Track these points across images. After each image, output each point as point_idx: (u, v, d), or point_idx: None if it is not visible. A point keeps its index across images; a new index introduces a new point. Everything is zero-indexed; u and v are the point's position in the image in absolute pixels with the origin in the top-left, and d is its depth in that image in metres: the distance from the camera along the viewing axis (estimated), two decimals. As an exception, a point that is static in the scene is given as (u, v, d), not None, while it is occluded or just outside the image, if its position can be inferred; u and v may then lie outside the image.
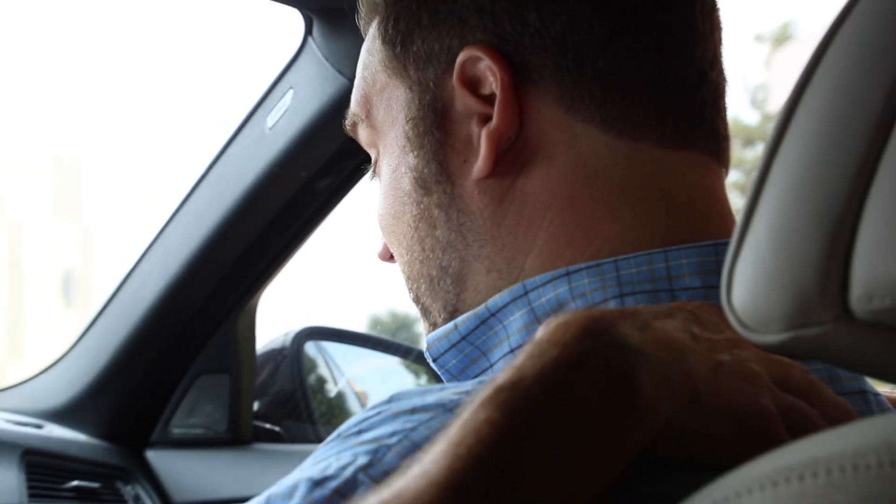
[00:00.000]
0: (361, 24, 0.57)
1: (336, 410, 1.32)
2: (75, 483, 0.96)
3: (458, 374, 0.52)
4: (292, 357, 1.20)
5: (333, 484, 0.35)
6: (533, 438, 0.32)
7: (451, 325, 0.51)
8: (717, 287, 0.33)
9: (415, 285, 0.55)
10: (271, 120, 0.88)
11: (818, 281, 0.26)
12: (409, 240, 0.55)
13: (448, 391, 0.42)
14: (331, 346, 1.34)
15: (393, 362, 1.33)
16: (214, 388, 1.11)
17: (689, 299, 0.44)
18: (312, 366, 1.28)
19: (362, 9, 0.56)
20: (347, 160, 0.91)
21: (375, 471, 0.35)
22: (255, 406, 1.16)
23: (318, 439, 1.17)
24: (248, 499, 0.63)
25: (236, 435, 1.12)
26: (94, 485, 0.97)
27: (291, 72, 0.89)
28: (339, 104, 0.84)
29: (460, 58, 0.47)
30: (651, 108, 0.49)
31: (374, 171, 0.56)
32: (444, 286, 0.54)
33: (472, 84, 0.48)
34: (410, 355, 1.27)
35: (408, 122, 0.52)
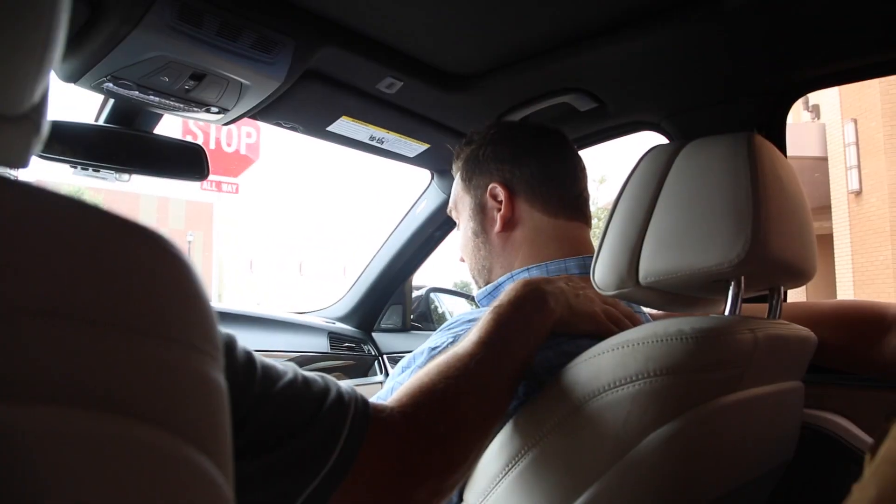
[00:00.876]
0: (454, 170, 1.12)
1: (441, 318, 2.44)
2: (347, 344, 2.01)
3: (486, 307, 0.89)
4: (425, 299, 2.36)
5: (440, 348, 0.85)
6: (509, 327, 0.76)
7: (486, 288, 1.04)
8: (586, 274, 0.87)
9: (473, 273, 1.09)
10: (418, 209, 1.88)
11: (627, 269, 0.79)
12: (470, 255, 1.08)
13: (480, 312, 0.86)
14: (441, 295, 2.50)
15: (463, 301, 2.51)
16: (396, 310, 2.19)
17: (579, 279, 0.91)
18: (433, 302, 2.42)
19: (454, 169, 1.11)
20: (444, 228, 1.90)
21: (457, 343, 0.78)
22: (412, 317, 2.27)
23: (433, 329, 2.30)
24: (409, 352, 1.82)
25: (404, 327, 2.22)
26: (354, 343, 2.11)
27: (427, 191, 1.86)
28: (441, 205, 1.82)
29: (490, 187, 1.02)
30: (560, 205, 1.01)
31: (458, 228, 1.12)
32: (483, 274, 1.07)
33: (494, 196, 1.02)
34: (471, 299, 2.40)
35: (471, 209, 1.06)
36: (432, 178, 1.91)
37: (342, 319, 2.18)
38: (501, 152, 1.04)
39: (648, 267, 0.81)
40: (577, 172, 1.07)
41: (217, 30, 1.00)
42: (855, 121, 10.61)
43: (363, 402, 0.61)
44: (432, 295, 2.41)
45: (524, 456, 0.78)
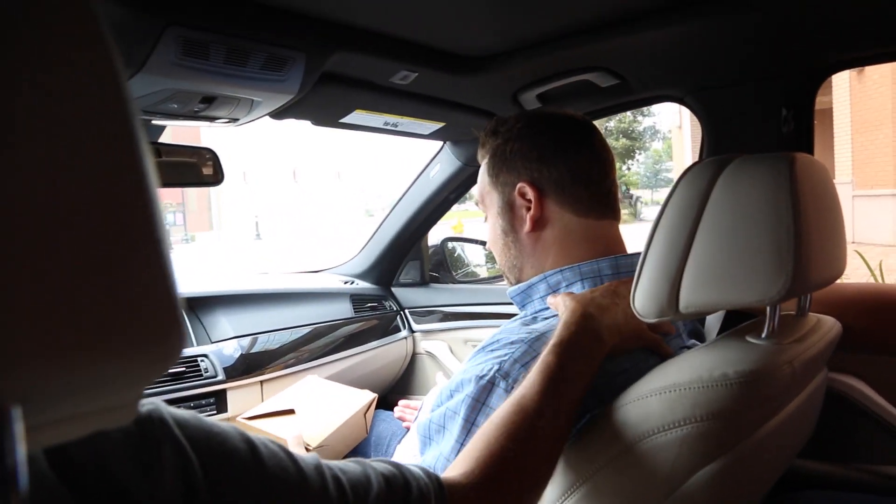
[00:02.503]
0: (479, 158, 1.08)
1: (457, 262, 2.48)
2: (370, 304, 2.08)
3: (519, 305, 1.04)
4: (440, 249, 2.37)
5: (487, 377, 0.83)
6: (569, 364, 0.78)
7: (518, 286, 1.03)
8: (618, 275, 0.94)
9: (504, 270, 1.07)
10: (432, 172, 1.92)
11: (667, 300, 0.78)
12: (500, 253, 1.07)
13: (524, 333, 0.88)
14: (453, 243, 2.52)
15: (478, 247, 2.51)
16: (414, 265, 2.22)
17: (608, 282, 0.93)
18: (449, 251, 2.42)
19: (479, 157, 1.08)
20: (458, 191, 1.95)
21: (502, 371, 0.82)
22: (428, 268, 2.28)
23: (453, 280, 2.31)
24: (429, 307, 1.90)
25: (423, 281, 2.25)
26: (376, 302, 2.11)
27: (440, 155, 1.88)
28: (456, 171, 1.85)
29: (518, 185, 1.00)
30: (590, 203, 1.00)
31: (486, 221, 1.09)
32: (514, 272, 1.06)
33: (522, 195, 1.00)
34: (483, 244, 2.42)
35: (499, 206, 1.04)
36: (443, 145, 1.89)
37: (360, 276, 2.22)
38: (529, 151, 1.01)
39: (688, 299, 0.81)
40: (607, 167, 1.04)
41: (224, 58, 0.96)
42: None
43: (438, 486, 0.64)
44: (448, 244, 2.41)
45: (579, 488, 0.82)
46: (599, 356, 0.84)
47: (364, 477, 0.58)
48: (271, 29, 0.97)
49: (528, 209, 1.00)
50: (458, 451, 0.76)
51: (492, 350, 0.89)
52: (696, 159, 1.06)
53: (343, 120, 1.36)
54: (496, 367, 0.84)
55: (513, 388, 0.80)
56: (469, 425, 0.82)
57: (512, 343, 0.87)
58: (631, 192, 28.51)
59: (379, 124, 1.42)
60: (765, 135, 1.24)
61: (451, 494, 0.64)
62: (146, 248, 0.21)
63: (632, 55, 1.20)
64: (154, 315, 0.21)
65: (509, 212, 1.04)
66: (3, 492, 0.21)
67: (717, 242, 0.80)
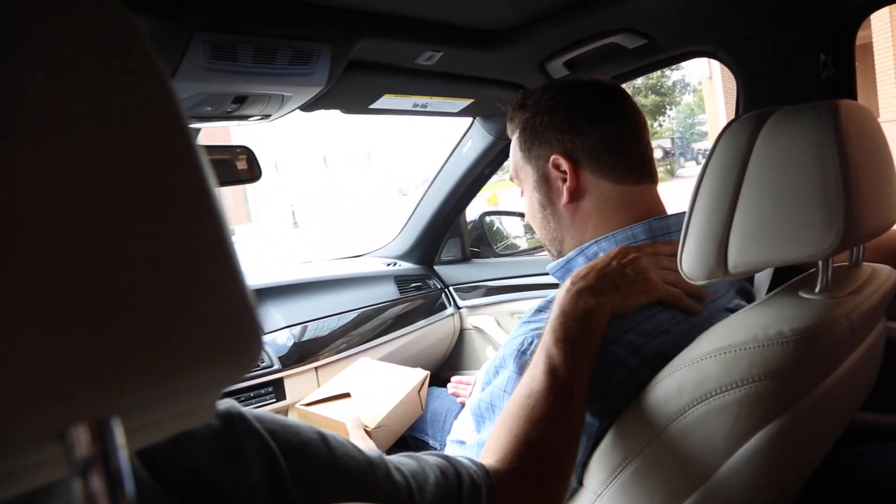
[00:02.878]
0: (509, 132, 1.08)
1: (497, 235, 2.48)
2: (414, 284, 2.09)
3: (560, 280, 1.01)
4: (479, 223, 2.37)
5: (526, 351, 0.87)
6: (570, 344, 0.80)
7: (558, 262, 1.04)
8: (652, 238, 0.93)
9: (545, 243, 1.08)
10: (464, 149, 1.92)
11: (716, 260, 0.77)
12: (539, 226, 1.07)
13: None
14: (492, 217, 2.51)
15: (516, 219, 2.52)
16: (455, 242, 2.23)
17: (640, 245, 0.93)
18: (488, 226, 2.42)
19: (509, 131, 1.08)
20: (492, 165, 1.95)
21: (536, 344, 0.84)
22: (469, 244, 2.29)
23: (494, 254, 2.32)
24: (473, 282, 1.91)
25: (464, 257, 2.27)
26: (420, 282, 2.12)
27: (470, 131, 1.88)
28: (488, 146, 1.84)
29: (552, 158, 0.99)
30: (626, 169, 0.99)
31: (522, 195, 1.09)
32: (555, 245, 1.06)
33: (557, 167, 0.99)
34: (521, 215, 2.37)
35: (534, 180, 1.04)
36: (473, 121, 1.88)
37: (402, 257, 2.24)
38: (560, 122, 1.00)
39: (737, 258, 0.80)
40: (639, 131, 1.02)
41: (252, 58, 0.97)
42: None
43: (486, 474, 0.66)
44: (486, 218, 2.41)
45: (640, 453, 0.82)
46: (598, 319, 0.84)
47: (420, 469, 0.61)
48: (295, 24, 0.98)
49: (564, 181, 1.00)
50: None
51: (528, 322, 0.90)
52: (731, 111, 1.03)
53: (373, 106, 1.37)
54: (529, 339, 0.86)
55: None
56: None
57: (545, 310, 0.88)
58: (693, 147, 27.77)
59: (408, 106, 1.42)
60: (803, 83, 1.20)
61: (497, 482, 0.66)
62: (222, 263, 0.23)
63: (658, 12, 1.17)
64: (237, 324, 0.23)
65: (545, 185, 1.03)
66: (113, 494, 0.22)
67: (764, 199, 0.79)
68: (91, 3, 0.21)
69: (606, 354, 0.84)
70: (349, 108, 1.37)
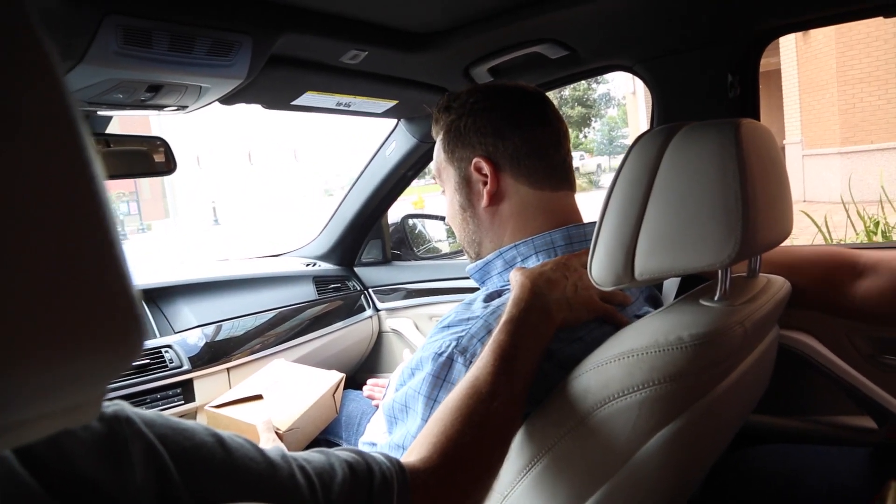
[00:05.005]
0: (434, 134, 1.08)
1: (419, 238, 2.48)
2: (333, 285, 2.07)
3: (478, 282, 1.05)
4: (401, 226, 2.35)
5: (445, 354, 0.85)
6: (521, 340, 0.81)
7: (476, 264, 1.05)
8: (570, 245, 0.96)
9: (463, 245, 1.09)
10: (388, 151, 1.91)
11: (623, 267, 0.81)
12: (459, 228, 1.08)
13: (478, 309, 0.90)
14: (414, 219, 2.50)
15: (438, 223, 2.53)
16: (376, 244, 2.21)
17: (561, 254, 0.96)
18: (410, 228, 2.41)
19: (433, 133, 1.08)
20: (416, 168, 1.93)
21: (459, 346, 0.85)
22: (390, 246, 2.27)
23: (415, 257, 2.31)
24: (392, 285, 1.91)
25: (385, 259, 2.24)
26: (339, 283, 2.09)
27: (395, 133, 1.88)
28: (412, 148, 1.84)
29: (474, 161, 1.00)
30: (546, 175, 1.00)
31: (444, 194, 1.08)
32: (474, 247, 1.07)
33: (478, 169, 1.00)
34: (442, 219, 2.38)
35: (455, 182, 1.04)
36: (397, 123, 1.88)
37: (322, 258, 2.21)
38: (483, 125, 1.01)
39: (643, 266, 0.83)
40: (560, 139, 1.04)
41: (168, 45, 0.94)
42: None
43: (400, 471, 0.65)
44: (408, 221, 2.41)
45: (543, 457, 0.84)
46: (549, 332, 0.86)
47: (328, 465, 0.59)
48: (215, 13, 0.95)
49: (485, 184, 1.01)
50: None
51: (448, 326, 0.90)
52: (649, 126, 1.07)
53: (295, 102, 1.35)
54: (454, 343, 0.85)
55: (471, 362, 0.82)
56: (431, 402, 0.84)
57: (468, 319, 0.89)
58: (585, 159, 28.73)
59: (331, 105, 1.41)
60: (713, 101, 1.27)
61: (412, 480, 0.65)
62: (99, 246, 0.22)
63: (580, 26, 1.21)
64: (113, 312, 0.22)
65: (466, 187, 1.04)
66: None
67: (669, 209, 0.82)
68: None
69: None
70: (270, 104, 1.34)
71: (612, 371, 0.81)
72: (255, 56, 1.05)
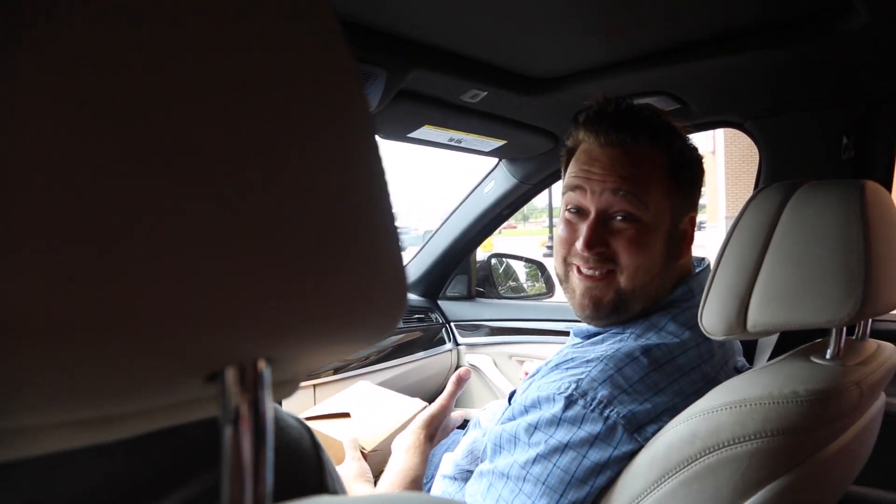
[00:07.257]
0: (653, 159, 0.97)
1: (503, 277, 2.49)
2: (417, 315, 2.13)
3: (578, 334, 1.06)
4: (486, 264, 2.39)
5: (565, 395, 0.85)
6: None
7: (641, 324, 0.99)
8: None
9: (628, 289, 0.98)
10: (486, 189, 1.97)
11: (736, 318, 0.82)
12: (644, 272, 0.98)
13: (598, 352, 0.91)
14: (500, 259, 2.54)
15: (522, 264, 2.54)
16: (461, 279, 2.26)
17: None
18: (495, 266, 2.45)
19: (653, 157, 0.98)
20: (511, 207, 1.97)
21: (580, 389, 0.84)
22: (475, 283, 2.33)
23: (497, 296, 2.33)
24: (475, 321, 1.93)
25: (469, 295, 2.30)
26: (423, 314, 2.15)
27: (494, 171, 1.94)
28: (511, 188, 1.89)
29: (690, 215, 1.00)
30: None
31: (622, 220, 0.97)
32: (636, 299, 0.99)
33: (692, 225, 1.02)
34: (529, 261, 2.47)
35: (668, 228, 0.99)
36: (498, 162, 1.94)
37: (409, 287, 2.24)
38: (695, 181, 1.00)
39: (757, 318, 0.83)
40: None
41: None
42: None
43: None
44: (493, 260, 2.44)
45: (646, 497, 0.84)
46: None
47: None
48: (355, 46, 1.03)
49: (690, 242, 1.02)
50: (534, 462, 0.81)
51: (567, 368, 0.90)
52: (732, 186, 1.09)
53: (411, 135, 1.42)
54: (573, 386, 0.86)
55: (592, 405, 0.83)
56: (546, 437, 0.85)
57: (588, 361, 0.89)
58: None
59: (444, 140, 1.47)
60: (824, 161, 1.26)
61: None
62: (386, 221, 0.24)
63: (694, 81, 1.23)
64: (390, 285, 0.25)
65: (679, 237, 1.00)
66: (257, 442, 0.24)
67: (787, 264, 0.83)
68: None
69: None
70: (388, 134, 1.42)
71: (722, 418, 0.80)
72: (387, 88, 1.12)
